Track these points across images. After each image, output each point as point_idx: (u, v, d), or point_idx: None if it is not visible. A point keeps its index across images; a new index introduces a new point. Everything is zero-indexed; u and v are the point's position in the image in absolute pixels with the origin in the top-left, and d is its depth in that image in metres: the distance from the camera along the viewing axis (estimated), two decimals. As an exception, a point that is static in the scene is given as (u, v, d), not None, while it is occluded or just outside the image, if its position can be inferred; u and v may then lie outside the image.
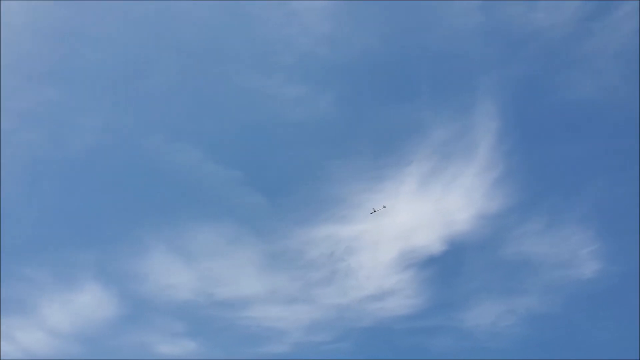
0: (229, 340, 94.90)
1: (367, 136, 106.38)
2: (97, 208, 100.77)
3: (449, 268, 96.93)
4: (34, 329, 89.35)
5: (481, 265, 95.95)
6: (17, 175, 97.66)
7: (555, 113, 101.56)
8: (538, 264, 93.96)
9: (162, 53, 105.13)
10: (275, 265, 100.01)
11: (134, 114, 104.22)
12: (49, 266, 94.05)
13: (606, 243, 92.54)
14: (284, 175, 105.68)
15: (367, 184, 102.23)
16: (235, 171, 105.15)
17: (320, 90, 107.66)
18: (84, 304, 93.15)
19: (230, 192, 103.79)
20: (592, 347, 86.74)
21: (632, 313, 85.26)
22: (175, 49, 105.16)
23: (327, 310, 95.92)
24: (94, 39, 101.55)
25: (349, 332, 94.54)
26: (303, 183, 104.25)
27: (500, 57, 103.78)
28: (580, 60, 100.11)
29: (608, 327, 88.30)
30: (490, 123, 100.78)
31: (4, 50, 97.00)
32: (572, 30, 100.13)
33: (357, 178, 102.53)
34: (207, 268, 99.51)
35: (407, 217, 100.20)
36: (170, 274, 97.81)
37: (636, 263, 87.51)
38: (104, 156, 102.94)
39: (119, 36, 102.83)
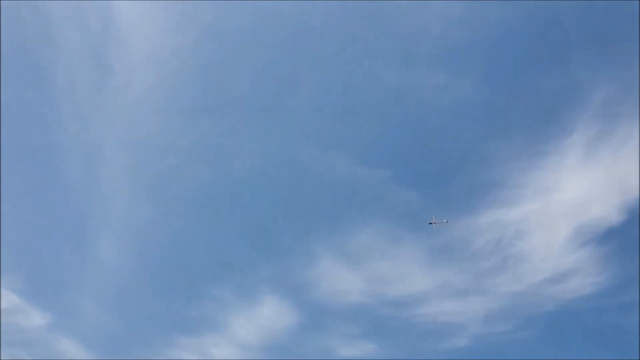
0: (407, 339, 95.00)
1: (520, 112, 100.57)
2: (266, 225, 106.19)
3: (631, 238, 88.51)
4: (227, 345, 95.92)
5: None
6: (191, 207, 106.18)
7: None
8: None
9: (302, 66, 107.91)
10: (441, 259, 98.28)
11: (285, 132, 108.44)
12: (232, 285, 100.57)
13: None
14: (437, 166, 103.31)
15: (528, 161, 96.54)
16: (386, 170, 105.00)
17: (462, 73, 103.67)
18: (266, 317, 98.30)
19: (384, 191, 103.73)
20: None
21: None
22: (314, 59, 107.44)
23: (503, 299, 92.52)
24: (236, 68, 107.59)
25: (530, 319, 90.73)
26: (458, 171, 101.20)
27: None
28: None
29: None
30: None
31: (162, 91, 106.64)
32: None
33: (516, 157, 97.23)
34: (374, 269, 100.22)
35: (576, 190, 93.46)
36: (340, 279, 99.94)
37: None
38: (265, 176, 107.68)
39: (260, 60, 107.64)
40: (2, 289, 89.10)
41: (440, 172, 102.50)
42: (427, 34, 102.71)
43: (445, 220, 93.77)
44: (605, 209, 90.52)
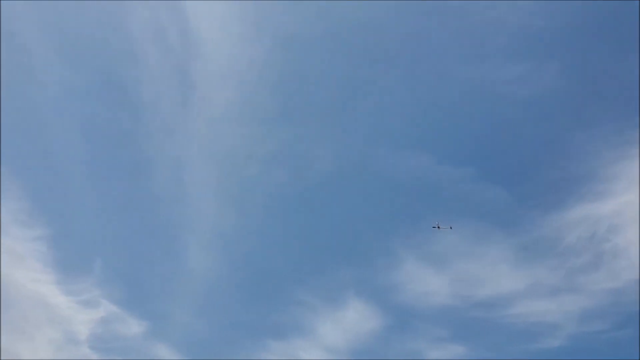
0: (497, 341, 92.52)
1: (608, 98, 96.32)
2: (347, 229, 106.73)
3: None
4: (314, 348, 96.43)
5: None
6: (274, 213, 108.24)
7: None
8: None
9: (375, 67, 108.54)
10: (529, 258, 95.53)
11: (362, 134, 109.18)
12: (316, 289, 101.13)
13: None
14: (521, 160, 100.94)
15: (619, 150, 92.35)
16: (468, 168, 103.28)
17: (541, 62, 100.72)
18: (352, 320, 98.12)
19: (467, 190, 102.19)
20: None
21: None
22: (386, 58, 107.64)
23: (599, 297, 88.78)
24: (310, 74, 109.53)
25: (629, 318, 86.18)
26: (544, 164, 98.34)
27: None
28: None
29: None
30: None
31: (241, 101, 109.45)
32: None
33: (607, 146, 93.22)
34: (460, 270, 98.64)
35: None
36: (425, 281, 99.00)
37: None
38: (344, 179, 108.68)
39: (333, 63, 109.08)
40: (102, 299, 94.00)
41: (525, 167, 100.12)
42: (503, 24, 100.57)
43: (449, 227, 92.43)
44: None
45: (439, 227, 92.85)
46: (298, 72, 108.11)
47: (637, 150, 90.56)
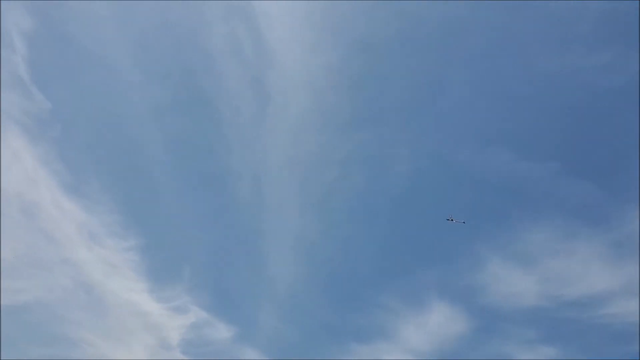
0: (592, 342, 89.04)
1: None
2: (428, 230, 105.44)
3: None
4: (399, 351, 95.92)
5: None
6: (354, 216, 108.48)
7: None
8: None
9: (451, 64, 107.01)
10: (623, 254, 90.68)
11: (440, 133, 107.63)
12: (399, 292, 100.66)
13: None
14: (610, 153, 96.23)
15: None
16: (553, 163, 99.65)
17: (628, 48, 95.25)
18: (436, 323, 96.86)
19: (553, 185, 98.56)
20: None
21: None
22: (462, 54, 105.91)
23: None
24: (385, 75, 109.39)
25: None
26: (636, 156, 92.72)
27: None
28: None
29: None
30: None
31: (317, 108, 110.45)
32: None
33: None
34: (548, 269, 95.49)
35: None
36: (512, 281, 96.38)
37: None
38: (423, 180, 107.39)
39: (407, 64, 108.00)
40: (191, 305, 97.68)
41: (615, 160, 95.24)
42: (586, 10, 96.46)
43: (463, 221, 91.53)
44: None
45: (452, 220, 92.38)
46: (373, 73, 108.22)
47: None
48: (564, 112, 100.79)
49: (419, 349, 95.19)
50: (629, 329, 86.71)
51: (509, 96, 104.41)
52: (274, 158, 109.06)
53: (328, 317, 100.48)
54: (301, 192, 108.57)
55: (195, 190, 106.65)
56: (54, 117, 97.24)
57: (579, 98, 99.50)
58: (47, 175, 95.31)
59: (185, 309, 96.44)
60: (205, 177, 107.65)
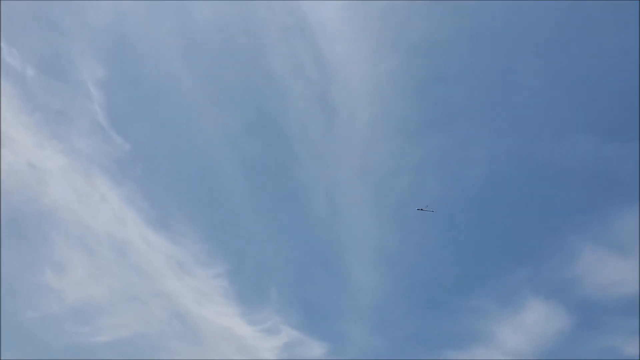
0: None
1: None
2: (514, 227, 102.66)
3: None
4: (497, 355, 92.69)
5: None
6: (432, 221, 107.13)
7: None
8: None
9: (518, 56, 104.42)
10: None
11: (514, 127, 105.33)
12: (490, 294, 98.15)
13: None
14: None
15: None
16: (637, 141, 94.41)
17: None
18: (533, 322, 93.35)
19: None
20: None
21: None
22: (527, 45, 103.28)
23: None
24: (449, 76, 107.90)
25: None
26: None
27: None
28: None
29: None
30: None
31: (383, 115, 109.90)
32: None
33: None
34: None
35: None
36: (608, 270, 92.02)
37: None
38: (502, 177, 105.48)
39: (473, 62, 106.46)
40: (282, 325, 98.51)
41: None
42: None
43: (432, 210, 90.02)
44: None
45: (423, 210, 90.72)
46: (438, 75, 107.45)
47: None
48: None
49: (519, 350, 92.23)
50: None
51: (581, 81, 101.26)
52: (346, 170, 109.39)
53: (418, 326, 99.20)
54: (376, 202, 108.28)
55: (273, 210, 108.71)
56: (134, 157, 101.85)
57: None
58: (133, 213, 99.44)
59: (276, 329, 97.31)
60: (281, 196, 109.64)
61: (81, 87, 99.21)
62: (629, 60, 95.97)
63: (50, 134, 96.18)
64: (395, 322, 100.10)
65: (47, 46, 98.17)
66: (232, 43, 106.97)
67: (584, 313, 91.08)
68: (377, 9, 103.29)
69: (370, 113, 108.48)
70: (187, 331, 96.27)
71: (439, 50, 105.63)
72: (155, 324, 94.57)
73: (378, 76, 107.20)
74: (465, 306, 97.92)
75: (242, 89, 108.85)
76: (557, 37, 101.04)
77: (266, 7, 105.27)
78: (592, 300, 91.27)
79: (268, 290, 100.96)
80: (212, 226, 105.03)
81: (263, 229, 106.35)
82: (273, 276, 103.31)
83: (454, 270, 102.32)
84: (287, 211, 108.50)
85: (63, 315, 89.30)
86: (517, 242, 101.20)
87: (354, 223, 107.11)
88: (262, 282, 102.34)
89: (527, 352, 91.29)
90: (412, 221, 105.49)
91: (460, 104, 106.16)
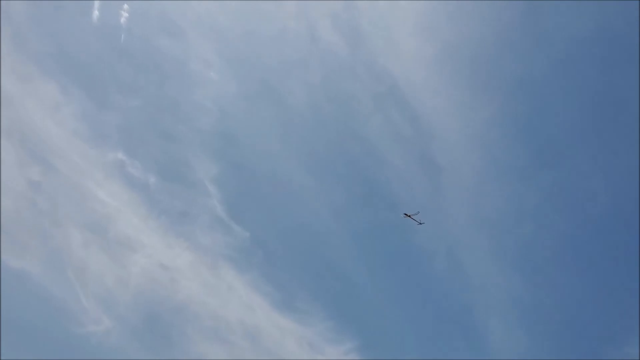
0: None
1: None
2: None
3: None
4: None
5: None
6: (566, 266, 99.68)
7: None
8: None
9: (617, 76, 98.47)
10: None
11: (628, 151, 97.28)
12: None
13: None
14: None
15: None
16: None
17: None
18: None
19: None
20: None
21: None
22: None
23: None
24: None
25: None
26: None
27: None
28: None
29: None
30: None
31: (490, 160, 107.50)
32: None
33: None
34: None
35: None
36: None
37: None
38: (631, 209, 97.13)
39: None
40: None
41: None
42: None
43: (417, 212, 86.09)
44: None
45: (409, 216, 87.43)
46: (538, 111, 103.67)
47: None
48: None
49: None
50: None
51: None
52: (462, 225, 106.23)
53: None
54: (499, 252, 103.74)
55: (394, 278, 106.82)
56: (254, 244, 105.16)
57: None
58: (260, 298, 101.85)
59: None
60: (399, 263, 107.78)
61: (199, 187, 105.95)
62: None
63: (176, 233, 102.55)
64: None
65: (164, 154, 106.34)
66: (327, 121, 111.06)
67: None
68: (464, 56, 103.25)
69: (476, 162, 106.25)
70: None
71: (535, 87, 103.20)
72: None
73: (477, 123, 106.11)
74: (619, 354, 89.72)
75: (344, 163, 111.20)
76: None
77: (354, 79, 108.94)
78: None
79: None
80: (336, 302, 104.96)
81: (387, 298, 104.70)
82: (405, 347, 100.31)
83: (602, 318, 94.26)
84: (409, 277, 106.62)
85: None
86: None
87: (482, 277, 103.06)
88: (394, 354, 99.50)
89: None
90: (544, 266, 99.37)
91: (567, 134, 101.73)
